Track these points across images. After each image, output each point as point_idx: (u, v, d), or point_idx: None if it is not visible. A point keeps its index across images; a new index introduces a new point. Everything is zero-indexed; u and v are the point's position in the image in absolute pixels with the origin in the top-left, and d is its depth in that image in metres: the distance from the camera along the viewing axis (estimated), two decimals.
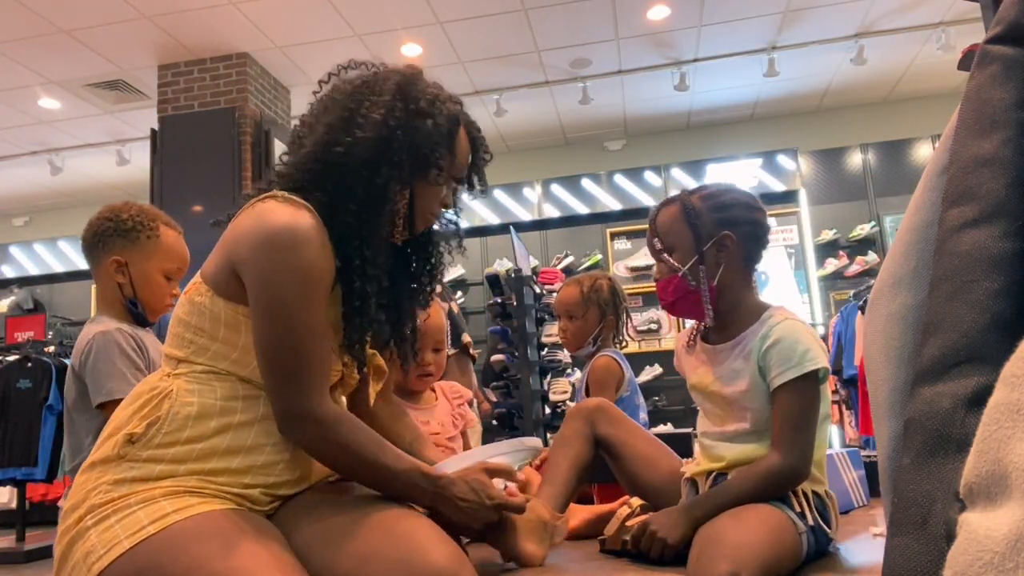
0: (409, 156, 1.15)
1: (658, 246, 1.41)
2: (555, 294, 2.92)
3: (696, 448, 1.47)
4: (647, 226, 1.47)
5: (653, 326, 6.71)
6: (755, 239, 1.41)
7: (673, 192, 1.50)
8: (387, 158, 1.13)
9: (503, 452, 1.29)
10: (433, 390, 1.90)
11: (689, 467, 1.43)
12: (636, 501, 1.38)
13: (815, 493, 1.30)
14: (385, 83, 1.17)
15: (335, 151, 1.12)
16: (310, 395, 1.06)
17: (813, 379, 1.28)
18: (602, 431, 1.47)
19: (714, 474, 1.36)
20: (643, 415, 2.33)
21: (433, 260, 1.31)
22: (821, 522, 1.28)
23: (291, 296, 1.05)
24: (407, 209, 1.18)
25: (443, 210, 1.26)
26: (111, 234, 1.77)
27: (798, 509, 1.25)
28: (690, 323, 1.55)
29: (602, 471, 1.53)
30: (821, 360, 1.28)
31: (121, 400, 1.54)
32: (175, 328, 1.14)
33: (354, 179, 1.12)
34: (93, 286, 7.44)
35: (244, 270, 1.07)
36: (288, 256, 1.05)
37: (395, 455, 1.12)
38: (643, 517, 1.28)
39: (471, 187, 1.30)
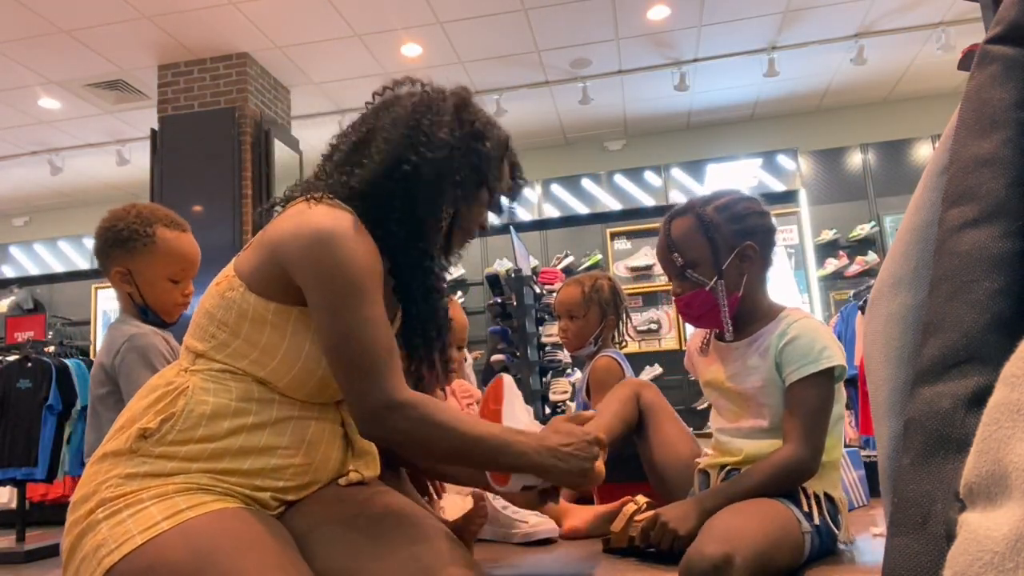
0: (469, 176, 1.19)
1: (680, 262, 1.38)
2: (555, 294, 2.92)
3: (705, 445, 1.48)
4: (658, 238, 1.45)
5: (653, 326, 6.71)
6: (770, 244, 1.43)
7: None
8: (450, 178, 1.17)
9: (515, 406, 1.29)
10: (443, 389, 1.90)
11: (703, 459, 1.44)
12: (642, 499, 1.39)
13: (827, 495, 1.31)
14: (443, 103, 1.21)
15: (403, 169, 1.15)
16: (390, 382, 1.04)
17: (829, 376, 1.30)
18: (645, 399, 1.52)
19: (728, 468, 1.37)
20: None
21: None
22: (830, 522, 1.28)
23: (349, 291, 1.06)
24: (448, 228, 1.21)
25: (479, 230, 1.29)
26: (111, 244, 1.76)
27: (805, 508, 1.26)
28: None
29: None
30: (838, 358, 1.30)
31: None
32: (199, 319, 1.14)
33: (417, 195, 1.15)
34: (94, 286, 7.51)
35: (296, 271, 1.07)
36: (338, 252, 1.06)
37: (487, 424, 1.12)
38: (651, 512, 1.28)
39: (500, 210, 1.34)
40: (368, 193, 1.15)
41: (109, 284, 1.83)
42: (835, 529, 1.29)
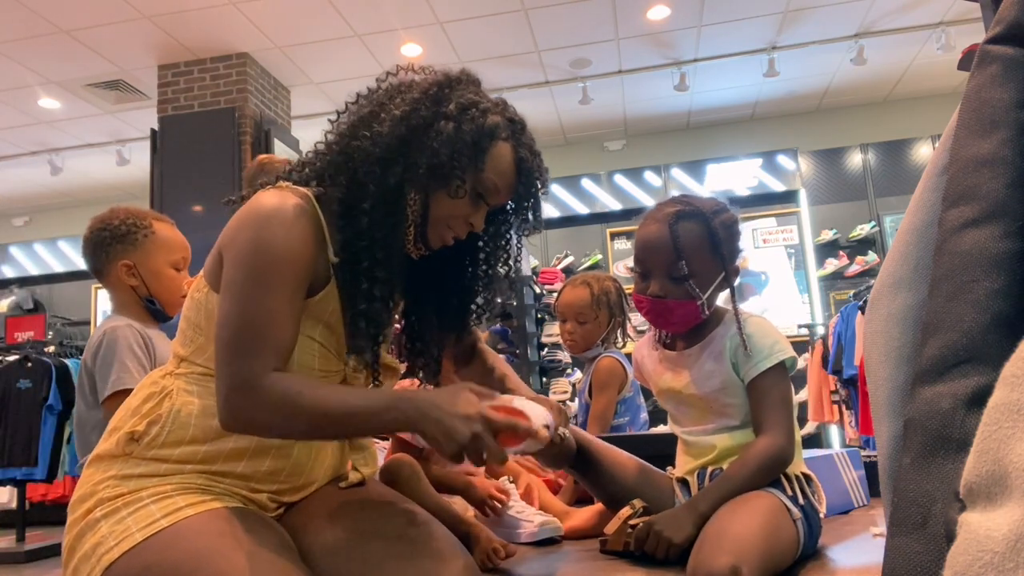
0: (426, 159, 1.07)
1: (684, 271, 1.33)
2: (555, 294, 2.92)
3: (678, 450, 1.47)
4: (654, 231, 1.39)
5: None
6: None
7: (674, 193, 1.49)
8: (403, 157, 1.07)
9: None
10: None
11: (676, 471, 1.44)
12: (638, 503, 1.38)
13: (805, 475, 1.34)
14: (424, 83, 1.12)
15: (353, 144, 1.08)
16: (253, 367, 0.97)
17: (784, 367, 1.34)
18: (579, 433, 1.47)
19: (709, 470, 1.37)
20: (644, 415, 2.33)
21: (469, 284, 1.27)
22: (813, 501, 1.31)
23: (253, 274, 1.01)
24: (420, 218, 1.10)
25: (470, 230, 1.16)
26: (110, 242, 1.80)
27: (790, 493, 1.28)
28: (645, 331, 1.56)
29: None
30: (789, 350, 1.35)
31: (125, 390, 1.56)
32: (181, 324, 1.14)
33: (368, 175, 1.06)
34: (94, 286, 7.50)
35: (224, 252, 1.06)
36: (259, 234, 1.02)
37: (359, 394, 1.04)
38: (646, 518, 1.28)
39: (523, 220, 1.22)
40: (325, 172, 1.10)
41: (103, 285, 1.87)
42: (817, 505, 1.31)
